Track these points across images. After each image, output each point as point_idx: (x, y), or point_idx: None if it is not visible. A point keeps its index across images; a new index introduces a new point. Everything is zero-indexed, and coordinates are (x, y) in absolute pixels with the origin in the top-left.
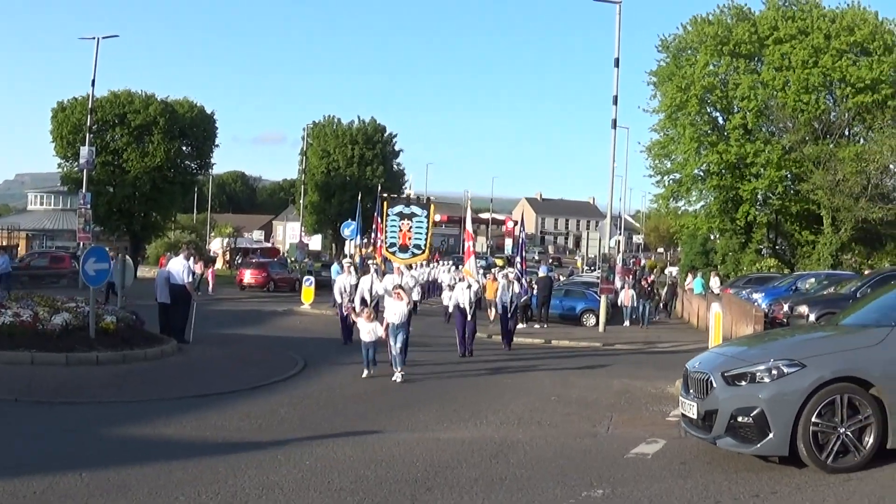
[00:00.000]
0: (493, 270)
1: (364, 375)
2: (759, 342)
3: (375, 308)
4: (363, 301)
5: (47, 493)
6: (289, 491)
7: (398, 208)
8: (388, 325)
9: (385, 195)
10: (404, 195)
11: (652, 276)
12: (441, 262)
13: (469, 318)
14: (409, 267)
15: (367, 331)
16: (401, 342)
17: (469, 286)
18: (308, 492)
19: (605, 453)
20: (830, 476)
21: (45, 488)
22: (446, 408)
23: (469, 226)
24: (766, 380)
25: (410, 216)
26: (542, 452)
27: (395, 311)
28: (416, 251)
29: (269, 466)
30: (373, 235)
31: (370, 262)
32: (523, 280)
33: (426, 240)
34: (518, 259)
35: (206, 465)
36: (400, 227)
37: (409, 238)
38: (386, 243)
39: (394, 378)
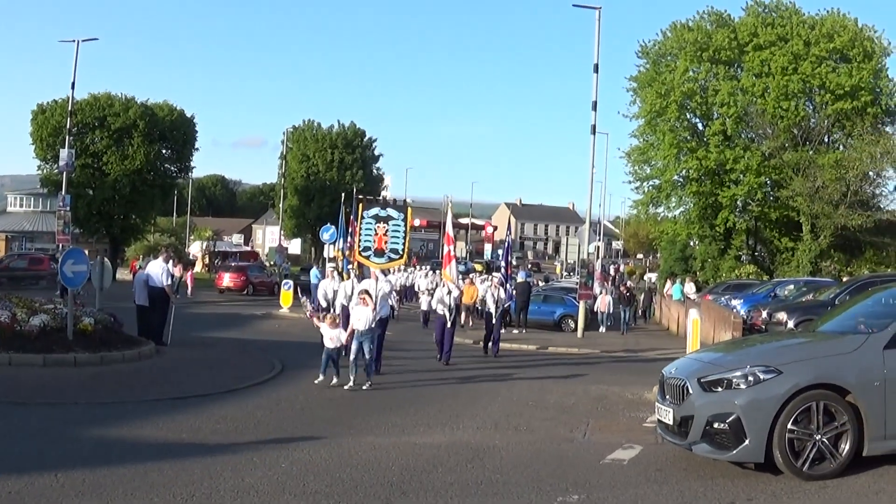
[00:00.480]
0: (470, 275)
1: (317, 381)
2: (736, 348)
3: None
4: (327, 308)
5: (22, 493)
6: (264, 494)
7: (374, 211)
8: (352, 331)
9: (361, 197)
10: (381, 198)
11: (629, 282)
12: (419, 267)
13: (449, 324)
14: (386, 272)
15: (330, 337)
16: (368, 350)
17: (449, 292)
18: (283, 495)
19: (581, 459)
20: (806, 483)
21: (20, 488)
22: (423, 412)
23: (450, 229)
24: (743, 386)
25: (387, 219)
26: (519, 457)
27: (361, 317)
28: (392, 255)
29: (244, 469)
30: (349, 239)
31: (349, 266)
32: (508, 285)
33: (404, 244)
34: (503, 264)
35: (181, 468)
36: (375, 230)
37: (386, 242)
38: (360, 247)
39: (363, 386)
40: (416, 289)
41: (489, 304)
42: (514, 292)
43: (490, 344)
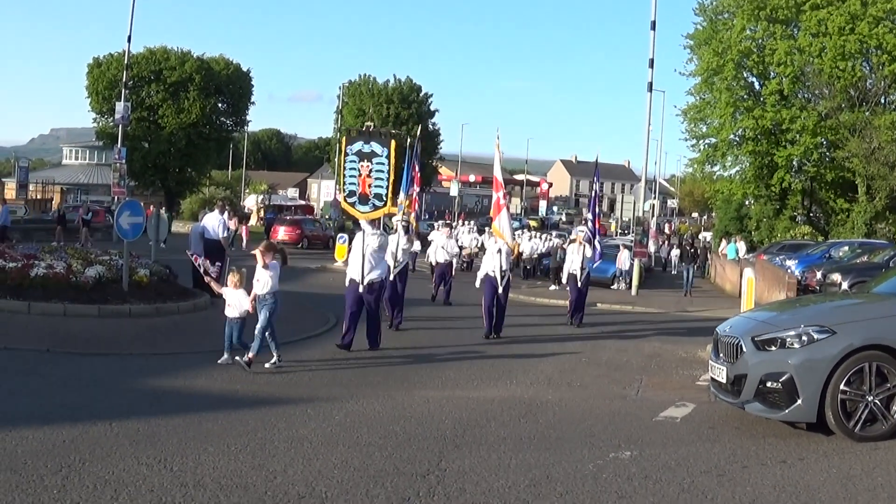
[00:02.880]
0: (521, 231)
1: (220, 361)
2: (790, 308)
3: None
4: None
5: (77, 441)
6: (317, 444)
7: (357, 145)
8: (255, 296)
9: (345, 129)
10: (364, 128)
11: (694, 241)
12: (465, 223)
13: (500, 289)
14: (378, 224)
15: (233, 303)
16: (262, 320)
17: (500, 250)
18: (336, 446)
19: (633, 416)
20: (858, 444)
21: (74, 437)
22: (475, 367)
23: (498, 172)
24: (796, 345)
25: (370, 156)
26: (572, 413)
27: (259, 278)
28: (377, 202)
29: (298, 420)
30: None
31: (396, 219)
32: (596, 242)
33: (388, 188)
34: (590, 217)
35: (235, 418)
36: (359, 170)
37: (370, 185)
38: (344, 192)
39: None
40: (462, 247)
41: (573, 266)
42: (560, 248)
43: (573, 312)
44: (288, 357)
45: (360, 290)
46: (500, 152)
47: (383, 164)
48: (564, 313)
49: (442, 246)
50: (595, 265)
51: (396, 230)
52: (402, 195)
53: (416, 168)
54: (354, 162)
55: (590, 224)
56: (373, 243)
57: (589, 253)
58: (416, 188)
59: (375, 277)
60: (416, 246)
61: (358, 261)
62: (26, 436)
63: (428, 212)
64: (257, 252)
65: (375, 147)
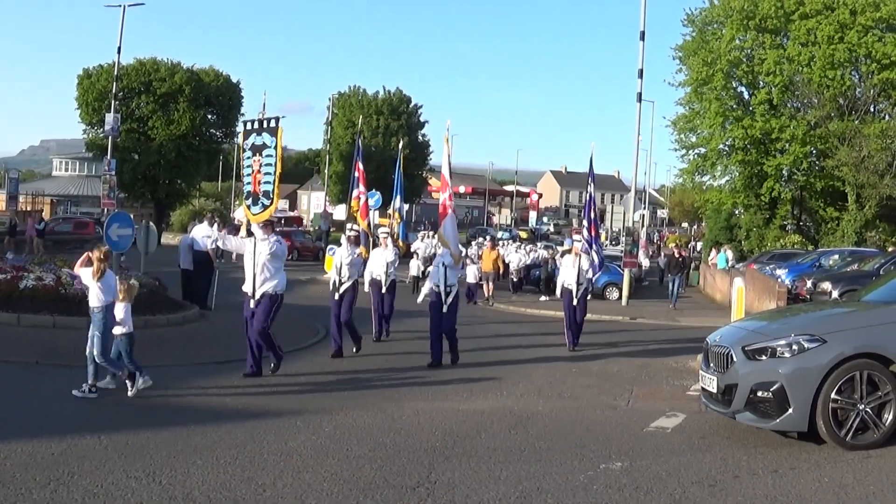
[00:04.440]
0: (488, 237)
1: (101, 384)
2: (781, 317)
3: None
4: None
5: (65, 454)
6: (307, 457)
7: (251, 139)
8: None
9: (243, 121)
10: (257, 120)
11: (684, 251)
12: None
13: (446, 307)
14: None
15: (120, 319)
16: (92, 340)
17: (443, 262)
18: (326, 459)
19: (624, 426)
20: (849, 453)
21: (63, 450)
22: (466, 379)
23: (446, 169)
24: (787, 355)
25: (262, 148)
26: (562, 424)
27: (90, 289)
28: (265, 201)
29: (287, 433)
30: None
31: (383, 231)
32: (594, 253)
33: (274, 183)
34: (586, 223)
35: (225, 431)
36: (252, 165)
37: (260, 182)
38: (243, 193)
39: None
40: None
41: (568, 281)
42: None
43: (569, 332)
44: (286, 367)
45: (252, 304)
46: (450, 147)
47: (272, 155)
48: (554, 322)
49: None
50: (596, 278)
51: (385, 244)
52: (398, 203)
53: (360, 166)
54: (249, 157)
55: (585, 233)
56: (265, 250)
57: (586, 265)
58: (363, 190)
59: (270, 290)
60: (390, 256)
61: (249, 271)
62: (15, 449)
63: (419, 223)
64: (86, 259)
65: (266, 138)
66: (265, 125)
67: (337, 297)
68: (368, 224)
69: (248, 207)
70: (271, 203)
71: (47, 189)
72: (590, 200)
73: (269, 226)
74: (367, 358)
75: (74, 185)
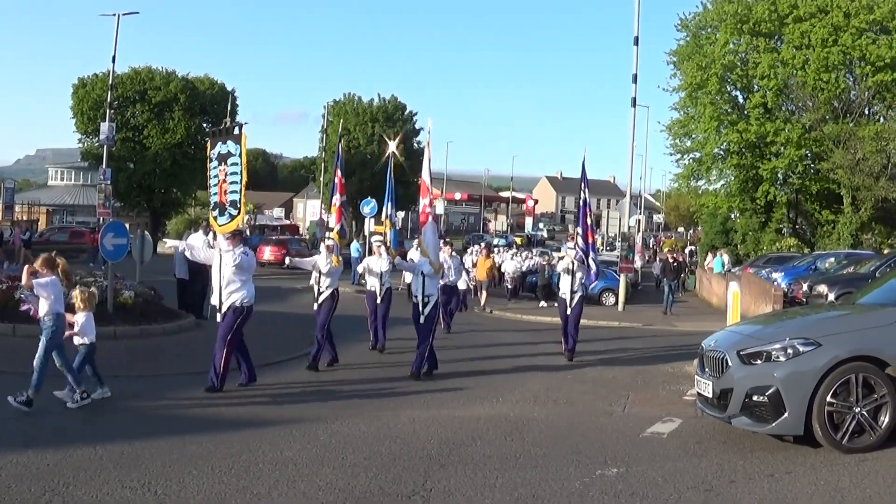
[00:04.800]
0: (483, 245)
1: (58, 393)
2: (776, 321)
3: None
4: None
5: (60, 464)
6: (302, 466)
7: (217, 147)
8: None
9: (210, 131)
10: (222, 127)
11: (680, 256)
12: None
13: (423, 318)
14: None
15: (82, 327)
16: (40, 349)
17: (422, 272)
18: (322, 467)
19: (620, 432)
20: (845, 456)
21: (58, 460)
22: (462, 386)
23: (426, 174)
24: (782, 359)
25: (227, 157)
26: (558, 430)
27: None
28: (232, 211)
29: (283, 442)
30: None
31: (376, 239)
32: (591, 260)
33: (241, 192)
34: (580, 230)
35: (220, 440)
36: (219, 175)
37: (226, 192)
38: (210, 204)
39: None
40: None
41: (562, 290)
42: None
43: (566, 343)
44: (272, 378)
45: (218, 318)
46: (430, 150)
47: (237, 164)
48: (551, 329)
49: (446, 267)
50: (592, 286)
51: (379, 252)
52: (389, 210)
53: (339, 174)
54: (215, 167)
55: (580, 239)
56: (229, 262)
57: (580, 273)
58: (341, 197)
59: (237, 302)
60: (384, 264)
61: (216, 283)
62: (10, 459)
63: (416, 231)
64: (28, 269)
65: (231, 146)
66: (230, 132)
67: (316, 306)
68: (339, 232)
69: (215, 218)
70: (238, 213)
71: (43, 198)
72: (584, 206)
73: (236, 236)
74: (363, 367)
75: (70, 195)
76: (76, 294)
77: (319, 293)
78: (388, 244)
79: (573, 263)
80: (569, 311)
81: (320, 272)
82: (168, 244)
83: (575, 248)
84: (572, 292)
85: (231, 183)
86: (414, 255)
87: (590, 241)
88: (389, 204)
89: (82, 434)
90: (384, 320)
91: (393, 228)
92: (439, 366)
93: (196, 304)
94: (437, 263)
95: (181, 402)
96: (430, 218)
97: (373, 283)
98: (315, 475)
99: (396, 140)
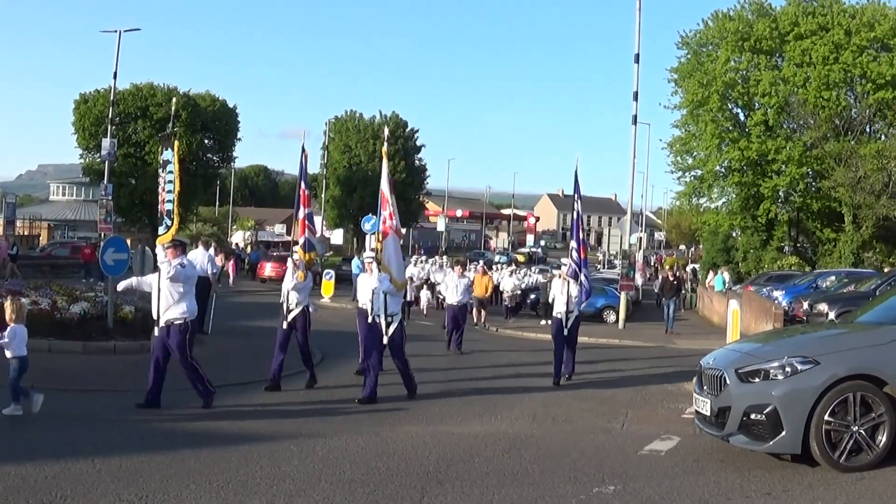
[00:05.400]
0: (481, 263)
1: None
2: (775, 339)
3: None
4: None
5: (59, 477)
6: (300, 481)
7: (164, 155)
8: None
9: (161, 135)
10: (165, 133)
11: (680, 273)
12: (438, 259)
13: (386, 338)
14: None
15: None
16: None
17: (382, 291)
18: (319, 482)
19: (618, 450)
20: (843, 475)
21: (56, 473)
22: (460, 402)
23: (385, 184)
24: (780, 377)
25: (165, 165)
26: (556, 448)
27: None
28: (168, 221)
29: (281, 457)
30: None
31: (367, 256)
32: (583, 277)
33: (174, 203)
34: (574, 244)
35: (218, 455)
36: (160, 183)
37: (164, 201)
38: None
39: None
40: (437, 283)
41: (558, 309)
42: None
43: (557, 363)
44: (271, 393)
45: (156, 332)
46: (387, 159)
47: (172, 171)
48: (551, 347)
49: (454, 286)
50: (584, 305)
51: (370, 270)
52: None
53: (303, 187)
54: (160, 175)
55: (574, 254)
56: (163, 274)
57: (575, 291)
58: (305, 210)
59: (177, 317)
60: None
61: (155, 296)
62: (8, 472)
63: (423, 247)
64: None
65: (168, 154)
66: (169, 139)
67: (285, 325)
68: (304, 247)
69: (157, 229)
70: (173, 223)
71: (44, 214)
72: (577, 219)
73: (177, 247)
74: (360, 384)
75: (71, 210)
76: (7, 305)
77: (289, 310)
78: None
79: (567, 280)
80: (566, 332)
81: (287, 289)
82: (120, 287)
83: (568, 264)
84: (568, 311)
85: (167, 192)
86: (412, 271)
87: (582, 256)
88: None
89: (80, 447)
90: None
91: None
92: (441, 384)
93: (197, 319)
94: (398, 280)
95: (179, 417)
96: (391, 232)
97: (364, 302)
98: (312, 490)
99: (385, 139)
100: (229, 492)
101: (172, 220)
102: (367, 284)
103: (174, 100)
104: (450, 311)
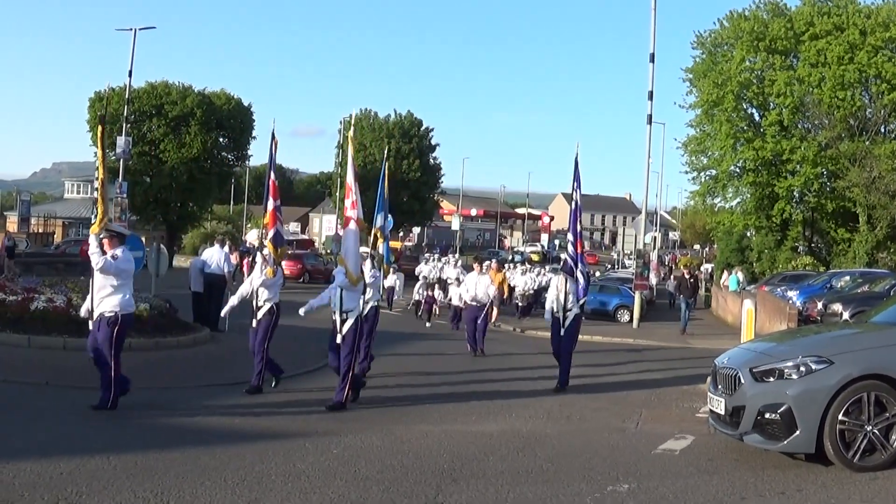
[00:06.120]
0: (492, 260)
1: None
2: (789, 338)
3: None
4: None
5: (74, 473)
6: (314, 478)
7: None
8: None
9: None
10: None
11: (695, 272)
12: (450, 257)
13: (340, 337)
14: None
15: None
16: None
17: (338, 286)
18: (334, 480)
19: (632, 449)
20: (856, 474)
21: (71, 469)
22: (476, 401)
23: (350, 176)
24: (794, 376)
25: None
26: (570, 446)
27: None
28: (96, 212)
29: (296, 454)
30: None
31: (363, 250)
32: (579, 273)
33: (99, 191)
34: (571, 238)
35: (233, 452)
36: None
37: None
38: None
39: None
40: (448, 281)
41: (550, 304)
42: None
43: (562, 374)
44: (285, 390)
45: (90, 325)
46: (354, 145)
47: (98, 168)
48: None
49: (474, 284)
50: (581, 302)
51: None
52: (379, 220)
53: (273, 177)
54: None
55: (570, 248)
56: (93, 264)
57: (572, 288)
58: (275, 201)
59: (107, 310)
60: (392, 281)
61: (91, 288)
62: (24, 468)
63: (439, 245)
64: None
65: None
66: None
67: (254, 323)
68: (273, 240)
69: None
70: (98, 212)
71: (59, 211)
72: (575, 211)
73: (114, 238)
74: (376, 379)
75: (86, 208)
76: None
77: (258, 308)
78: (382, 258)
79: (564, 277)
80: (562, 332)
81: (256, 286)
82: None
83: (566, 258)
84: (566, 310)
85: (94, 179)
86: (423, 269)
87: (579, 250)
88: (381, 215)
89: (96, 444)
90: (368, 342)
91: (385, 241)
92: (456, 384)
93: (211, 317)
94: (354, 274)
95: (195, 414)
96: (352, 223)
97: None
98: (327, 487)
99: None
100: (244, 488)
101: (96, 212)
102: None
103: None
104: (470, 313)
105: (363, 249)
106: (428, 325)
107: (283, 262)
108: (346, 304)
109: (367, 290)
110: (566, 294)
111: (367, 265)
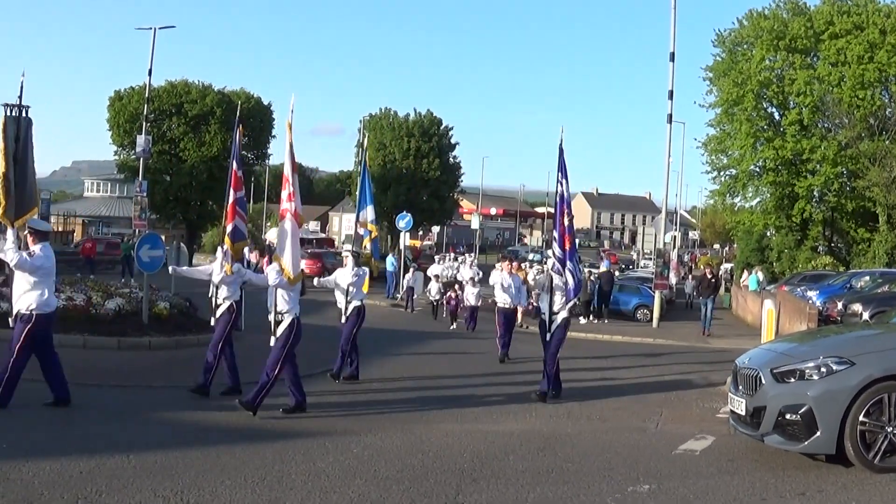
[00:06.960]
0: (508, 257)
1: None
2: (810, 339)
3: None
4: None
5: (93, 472)
6: (335, 478)
7: None
8: None
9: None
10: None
11: (716, 271)
12: (466, 257)
13: (273, 339)
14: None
15: None
16: None
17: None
18: (354, 479)
19: (653, 449)
20: (877, 475)
21: (91, 468)
22: (496, 400)
23: (288, 166)
24: (815, 377)
25: None
26: (591, 446)
27: None
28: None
29: (316, 453)
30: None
31: (346, 248)
32: (568, 272)
33: (0, 182)
34: (556, 234)
35: (253, 451)
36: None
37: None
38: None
39: None
40: (464, 282)
41: (543, 309)
42: (600, 281)
43: (548, 382)
44: (306, 389)
45: (10, 322)
46: (292, 134)
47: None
48: (586, 343)
49: (506, 285)
50: (570, 304)
51: (345, 262)
52: (368, 215)
53: (235, 166)
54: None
55: (556, 246)
56: (8, 260)
57: (560, 282)
58: (236, 193)
59: (23, 309)
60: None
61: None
62: (43, 467)
63: (461, 245)
64: None
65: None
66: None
67: (213, 321)
68: (231, 235)
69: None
70: (2, 208)
71: (79, 210)
72: (561, 202)
73: (35, 234)
74: (398, 379)
75: (106, 206)
76: None
77: (217, 306)
78: (369, 256)
79: (550, 277)
80: (548, 337)
81: (216, 283)
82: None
83: (551, 257)
84: (552, 313)
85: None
86: (437, 269)
87: (567, 247)
88: (369, 208)
89: (115, 443)
90: (346, 343)
91: (376, 237)
92: (477, 386)
93: (47, 314)
94: (291, 273)
95: (214, 413)
96: (288, 215)
97: (339, 300)
98: (347, 487)
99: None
100: (264, 487)
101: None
102: (343, 280)
103: (23, 75)
104: (501, 315)
105: (346, 247)
106: (453, 326)
107: (304, 261)
108: (281, 306)
109: (351, 288)
110: (551, 296)
111: (350, 264)
